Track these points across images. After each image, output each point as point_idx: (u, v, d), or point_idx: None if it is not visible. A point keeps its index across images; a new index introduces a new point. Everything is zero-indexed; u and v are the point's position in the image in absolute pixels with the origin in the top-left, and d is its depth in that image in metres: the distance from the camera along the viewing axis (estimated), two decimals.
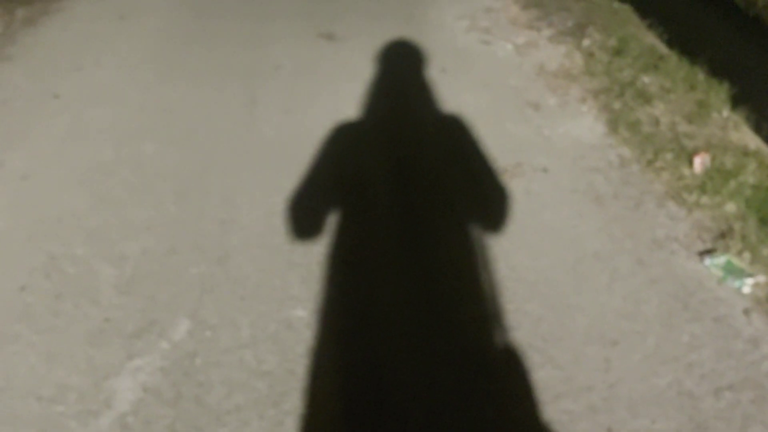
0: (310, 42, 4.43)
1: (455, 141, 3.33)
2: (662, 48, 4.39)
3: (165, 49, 4.33)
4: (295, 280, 2.41)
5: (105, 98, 3.71)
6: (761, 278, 2.39)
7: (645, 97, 3.67)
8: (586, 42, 4.43)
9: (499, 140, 3.31)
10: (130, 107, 3.61)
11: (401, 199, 2.88)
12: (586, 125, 3.46)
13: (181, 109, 3.58)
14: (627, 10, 5.02)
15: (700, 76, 3.82)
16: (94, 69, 4.07)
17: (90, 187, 2.89)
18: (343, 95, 3.69)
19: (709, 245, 2.58)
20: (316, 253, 2.53)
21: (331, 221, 2.69)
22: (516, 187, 2.95)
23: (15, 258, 2.48)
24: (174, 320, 2.20)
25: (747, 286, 2.35)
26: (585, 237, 2.65)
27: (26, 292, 2.31)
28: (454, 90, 3.79)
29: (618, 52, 4.25)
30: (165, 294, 2.31)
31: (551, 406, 1.93)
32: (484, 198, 2.92)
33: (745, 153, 3.11)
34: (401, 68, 4.07)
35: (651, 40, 4.53)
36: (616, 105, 3.63)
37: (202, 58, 4.18)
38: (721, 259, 2.45)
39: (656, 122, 3.41)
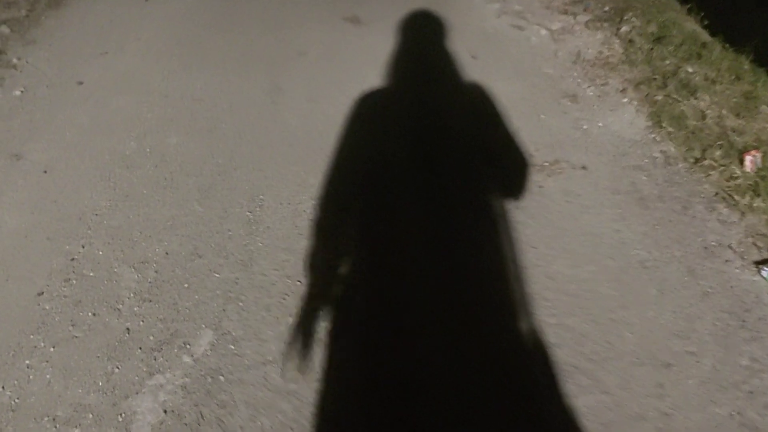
0: (334, 26, 4.29)
1: (487, 132, 3.16)
2: (704, 35, 4.17)
3: (189, 34, 4.20)
4: None
5: (129, 85, 3.61)
6: None
7: (689, 89, 3.47)
8: (624, 28, 4.22)
9: (535, 134, 3.15)
10: (154, 95, 3.50)
11: (429, 195, 2.73)
12: (627, 119, 3.28)
13: (205, 98, 3.47)
14: None
15: (746, 65, 3.61)
16: (118, 54, 3.96)
17: (113, 182, 2.80)
18: (369, 82, 3.54)
19: (765, 254, 2.40)
20: (341, 259, 2.40)
21: (358, 224, 2.56)
22: (553, 186, 2.79)
23: (34, 259, 2.39)
24: (197, 331, 2.10)
25: None
26: (629, 243, 2.49)
27: (44, 298, 2.22)
28: (486, 78, 3.62)
29: (659, 39, 4.03)
30: (188, 302, 2.21)
31: None
32: (515, 194, 2.76)
33: None
34: (430, 53, 3.90)
35: (692, 26, 4.30)
36: (659, 97, 3.43)
37: (226, 44, 4.06)
38: None
39: (702, 116, 3.22)
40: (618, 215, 2.63)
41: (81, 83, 3.65)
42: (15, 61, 3.83)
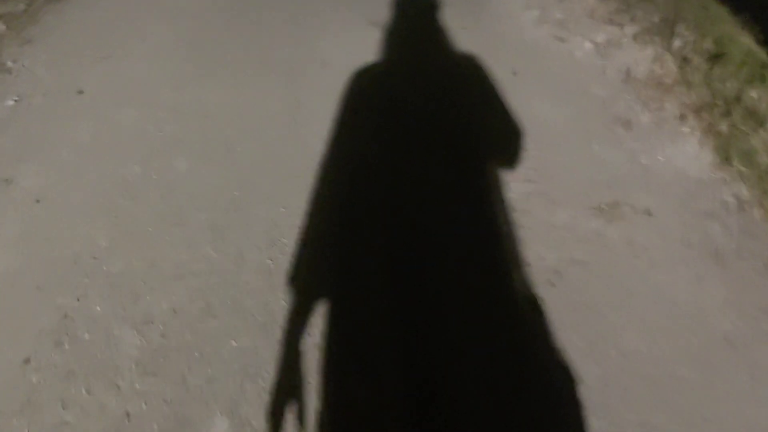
0: (359, 33, 3.90)
1: (536, 163, 2.82)
2: (761, 54, 3.80)
3: (201, 37, 3.84)
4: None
5: (134, 96, 3.25)
6: None
7: (756, 118, 3.11)
8: (677, 43, 3.85)
9: (588, 167, 2.81)
10: (162, 109, 3.15)
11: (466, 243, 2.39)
12: (690, 152, 2.92)
13: (217, 114, 3.11)
14: (715, 2, 4.39)
15: None
16: (122, 59, 3.60)
17: (114, 216, 2.46)
18: (399, 99, 3.18)
19: None
20: (371, 329, 2.06)
21: (381, 273, 2.22)
22: (616, 235, 2.45)
23: (22, 314, 2.06)
24: (209, 419, 1.76)
25: None
26: (709, 311, 2.15)
27: (31, 368, 1.89)
28: (529, 97, 3.27)
29: (716, 57, 3.66)
30: (199, 377, 1.88)
31: None
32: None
33: None
34: (466, 68, 3.54)
35: (747, 41, 3.93)
36: (723, 126, 3.08)
37: (242, 51, 3.69)
38: None
39: None
40: (693, 275, 2.29)
41: (81, 92, 3.30)
42: (10, 64, 3.47)
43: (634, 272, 2.30)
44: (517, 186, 2.65)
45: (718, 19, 4.22)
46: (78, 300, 2.11)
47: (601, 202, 2.62)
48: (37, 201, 2.53)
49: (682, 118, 3.18)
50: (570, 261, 2.32)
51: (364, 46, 3.76)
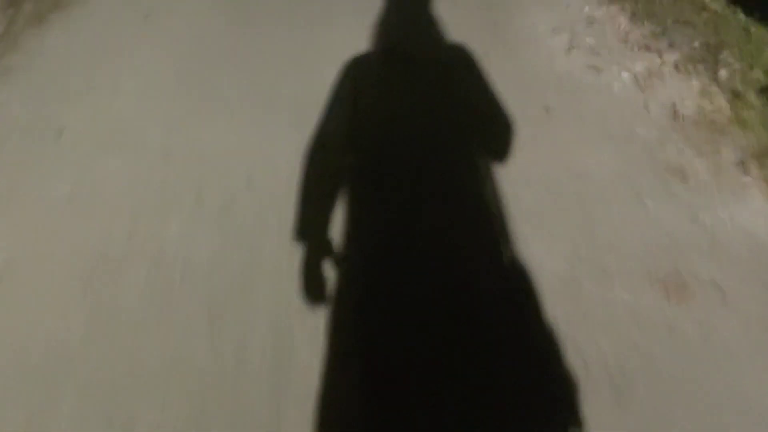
0: (377, 68, 3.51)
1: (582, 222, 2.45)
2: None
3: (196, 65, 3.46)
4: None
5: (121, 138, 2.90)
6: None
7: None
8: (722, 73, 3.47)
9: (643, 229, 2.44)
10: (152, 154, 2.79)
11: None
12: (756, 209, 2.56)
13: (215, 160, 2.75)
14: (757, 24, 4.00)
15: None
16: (109, 92, 3.24)
17: (91, 297, 2.11)
18: (424, 141, 2.80)
19: None
20: None
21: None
22: (683, 317, 2.07)
23: None
24: None
25: None
26: None
27: None
28: (566, 141, 2.90)
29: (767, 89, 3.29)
30: None
31: None
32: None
33: None
34: (493, 101, 3.15)
35: None
36: None
37: (243, 80, 3.32)
38: None
39: None
40: None
41: (61, 132, 2.92)
42: None
43: (709, 365, 1.94)
44: (563, 247, 2.27)
45: (762, 43, 3.85)
46: (46, 403, 1.72)
47: (661, 271, 2.24)
48: None
49: (742, 166, 2.81)
50: (632, 349, 1.94)
51: (381, 77, 3.38)
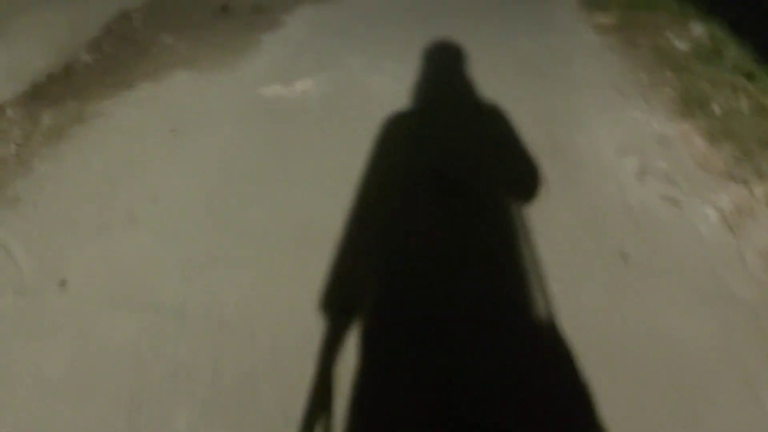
0: (429, 195, 3.10)
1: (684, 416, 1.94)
2: None
3: (224, 195, 3.10)
4: None
5: (130, 292, 2.54)
6: None
7: None
8: None
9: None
10: (164, 313, 2.43)
11: None
12: None
13: (236, 321, 2.38)
14: None
15: None
16: (124, 229, 2.89)
17: None
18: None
19: None
20: None
21: None
22: None
23: None
24: None
25: None
26: None
27: None
28: (651, 301, 2.43)
29: None
30: None
31: None
32: None
33: None
34: (561, 248, 2.70)
35: None
36: None
37: (275, 212, 2.97)
38: None
39: None
40: None
41: (64, 284, 2.55)
42: None
43: None
44: None
45: None
46: None
47: None
48: None
49: None
50: None
51: (434, 220, 2.96)
